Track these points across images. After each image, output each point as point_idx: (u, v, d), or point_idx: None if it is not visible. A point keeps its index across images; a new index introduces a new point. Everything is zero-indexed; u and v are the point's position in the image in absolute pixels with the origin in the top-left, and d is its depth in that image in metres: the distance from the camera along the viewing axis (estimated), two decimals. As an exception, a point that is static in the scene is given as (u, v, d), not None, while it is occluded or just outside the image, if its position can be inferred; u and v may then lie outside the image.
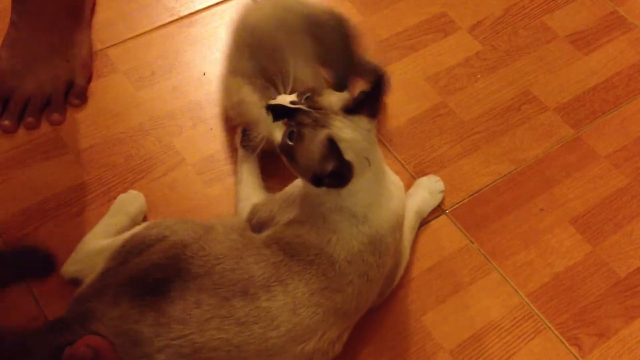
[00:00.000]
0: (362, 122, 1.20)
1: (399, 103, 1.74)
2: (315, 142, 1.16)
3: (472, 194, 1.60)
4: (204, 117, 1.69)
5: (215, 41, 1.83)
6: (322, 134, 1.16)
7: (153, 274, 1.16)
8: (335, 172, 1.16)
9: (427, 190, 1.56)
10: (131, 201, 1.49)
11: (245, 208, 1.43)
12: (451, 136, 1.69)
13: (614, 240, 1.55)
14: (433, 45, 1.86)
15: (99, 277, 1.22)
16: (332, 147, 1.15)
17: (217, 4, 1.88)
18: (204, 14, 1.87)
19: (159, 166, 1.60)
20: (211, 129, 1.66)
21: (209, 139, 1.65)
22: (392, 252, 1.30)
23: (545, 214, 1.58)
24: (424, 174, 1.61)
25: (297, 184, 1.33)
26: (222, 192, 1.57)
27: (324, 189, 1.19)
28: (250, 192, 1.49)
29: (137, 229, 1.31)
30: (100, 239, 1.38)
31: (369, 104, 1.20)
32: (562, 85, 1.80)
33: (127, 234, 1.30)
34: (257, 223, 1.34)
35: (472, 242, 1.53)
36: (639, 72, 1.83)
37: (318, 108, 1.19)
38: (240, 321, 1.13)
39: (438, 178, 1.59)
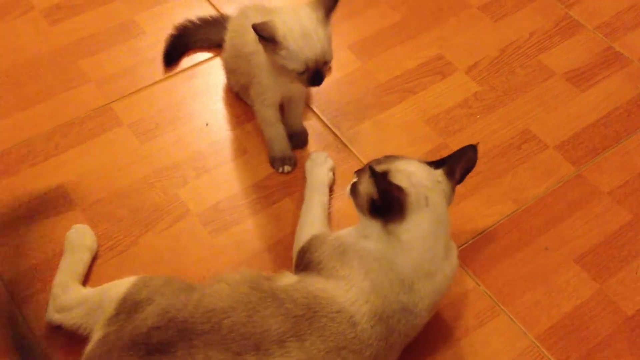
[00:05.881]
0: (435, 172, 1.32)
1: (400, 146, 1.75)
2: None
3: (476, 235, 1.61)
4: (208, 167, 1.71)
5: (216, 91, 1.86)
6: (380, 168, 1.30)
7: (155, 335, 1.16)
8: (385, 193, 1.23)
9: None
10: (83, 235, 1.53)
11: (304, 237, 1.43)
12: (453, 178, 1.70)
13: (620, 277, 1.55)
14: (431, 88, 1.88)
15: (100, 342, 1.22)
16: (383, 175, 1.26)
17: (217, 55, 1.92)
18: (205, 65, 1.91)
19: (165, 218, 1.62)
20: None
21: (213, 188, 1.67)
22: (419, 327, 1.30)
23: (551, 253, 1.58)
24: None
25: (351, 232, 1.34)
26: (227, 242, 1.58)
27: (380, 238, 1.26)
28: (315, 223, 1.51)
29: (125, 287, 1.30)
30: (76, 283, 1.43)
31: (450, 165, 1.33)
32: (561, 122, 1.82)
33: (117, 295, 1.29)
34: (307, 260, 1.35)
35: (478, 285, 1.53)
36: (637, 107, 1.85)
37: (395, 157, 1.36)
38: None
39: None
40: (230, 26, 1.73)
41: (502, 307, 1.50)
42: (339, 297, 1.22)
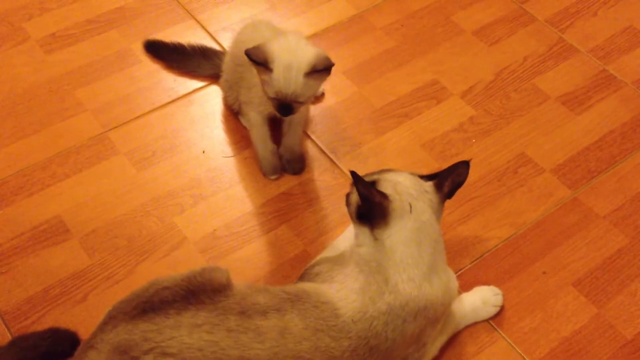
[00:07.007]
0: (424, 184, 1.36)
1: (397, 171, 1.76)
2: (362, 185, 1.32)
3: (474, 260, 1.60)
4: (205, 194, 1.71)
5: (213, 119, 1.86)
6: (370, 178, 1.37)
7: (160, 296, 1.21)
8: (366, 198, 1.29)
9: (481, 300, 1.51)
10: None
11: (315, 259, 1.50)
12: (450, 202, 1.69)
13: (618, 300, 1.54)
14: (427, 112, 1.89)
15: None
16: (371, 184, 1.32)
17: (213, 82, 1.93)
18: (201, 92, 1.92)
19: (162, 246, 1.62)
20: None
21: (210, 216, 1.67)
22: (409, 339, 1.30)
23: (548, 277, 1.58)
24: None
25: (349, 247, 1.40)
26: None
27: (370, 244, 1.30)
28: (330, 249, 1.56)
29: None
30: None
31: (440, 178, 1.37)
32: (556, 146, 1.82)
33: None
34: (307, 277, 1.41)
35: (476, 310, 1.52)
36: (632, 129, 1.86)
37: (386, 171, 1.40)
38: (230, 329, 1.18)
39: (499, 291, 1.53)
40: (239, 36, 1.77)
41: (500, 332, 1.49)
42: (329, 294, 1.28)
